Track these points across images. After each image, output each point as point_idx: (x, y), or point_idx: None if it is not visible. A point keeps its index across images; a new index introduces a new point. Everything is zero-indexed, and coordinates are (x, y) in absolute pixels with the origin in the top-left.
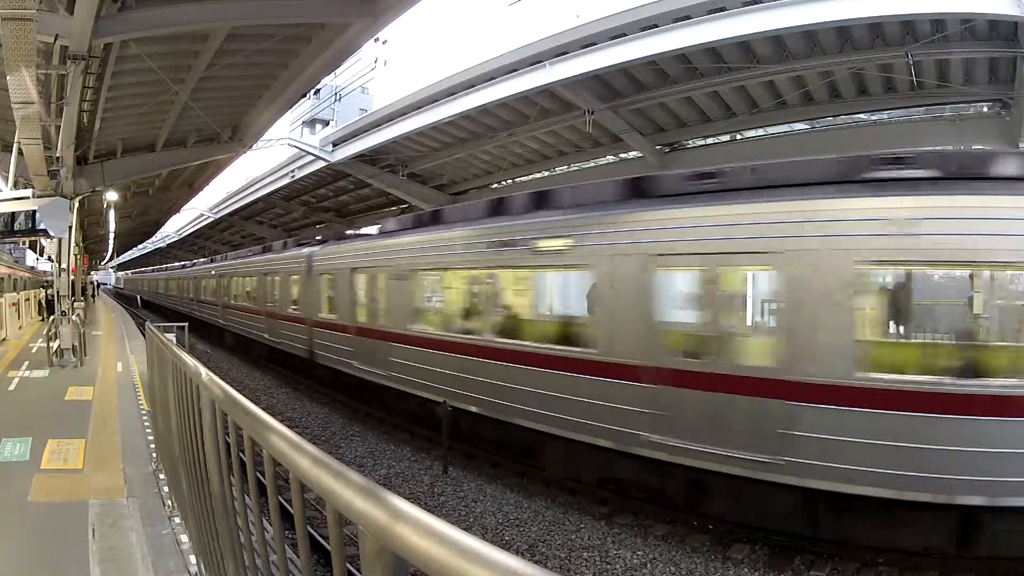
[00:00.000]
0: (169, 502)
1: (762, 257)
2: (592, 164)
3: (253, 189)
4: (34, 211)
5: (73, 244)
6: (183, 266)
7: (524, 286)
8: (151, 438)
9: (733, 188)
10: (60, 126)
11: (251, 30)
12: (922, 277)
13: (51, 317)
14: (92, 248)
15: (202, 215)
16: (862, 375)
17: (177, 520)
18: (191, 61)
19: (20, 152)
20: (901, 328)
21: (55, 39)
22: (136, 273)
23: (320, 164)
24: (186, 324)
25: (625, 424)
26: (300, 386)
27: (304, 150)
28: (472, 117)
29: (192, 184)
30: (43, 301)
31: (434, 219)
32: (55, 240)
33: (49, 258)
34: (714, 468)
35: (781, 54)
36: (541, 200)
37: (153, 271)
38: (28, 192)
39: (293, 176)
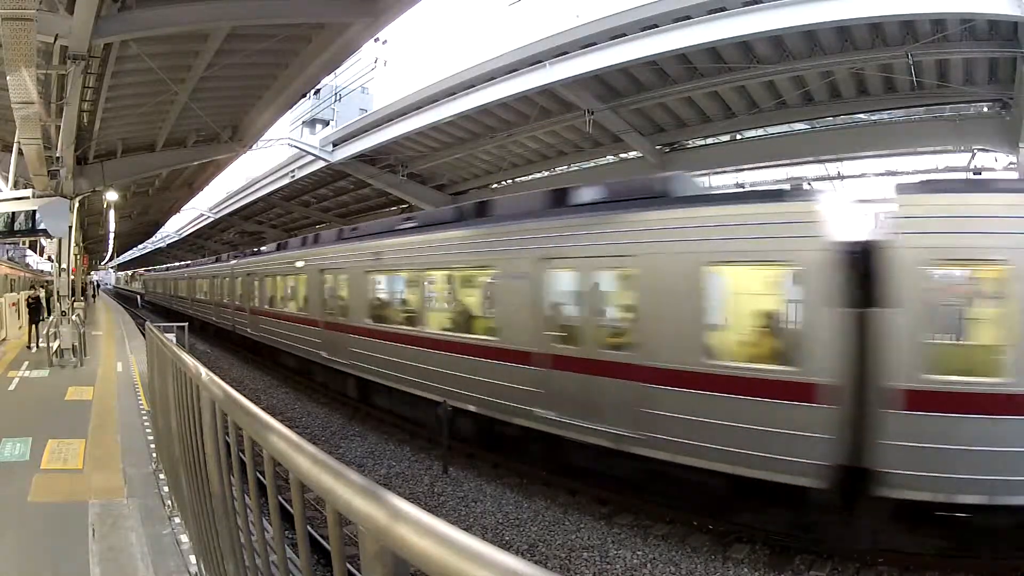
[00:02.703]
0: (169, 502)
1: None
2: (592, 164)
3: (253, 189)
4: (34, 211)
5: (73, 244)
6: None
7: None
8: (151, 438)
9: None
10: (60, 126)
11: (251, 30)
12: None
13: (50, 319)
14: (92, 248)
15: (202, 215)
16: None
17: (177, 520)
18: (191, 61)
19: (20, 152)
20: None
21: (55, 39)
22: (155, 271)
23: (320, 164)
24: (186, 324)
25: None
26: (300, 386)
27: (304, 150)
28: (472, 117)
29: (192, 184)
30: (38, 302)
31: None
32: (55, 240)
33: (49, 258)
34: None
35: (781, 54)
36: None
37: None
38: (28, 192)
39: (293, 176)
